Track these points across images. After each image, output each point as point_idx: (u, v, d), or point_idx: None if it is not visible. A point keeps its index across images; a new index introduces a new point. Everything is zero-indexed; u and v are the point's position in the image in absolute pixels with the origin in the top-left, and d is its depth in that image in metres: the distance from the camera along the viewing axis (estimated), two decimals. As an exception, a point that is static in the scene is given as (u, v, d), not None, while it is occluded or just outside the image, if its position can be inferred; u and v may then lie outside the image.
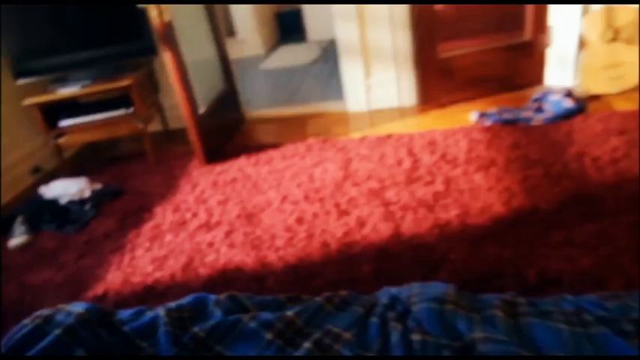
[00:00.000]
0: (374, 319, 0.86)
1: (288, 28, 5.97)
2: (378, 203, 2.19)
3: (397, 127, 2.94)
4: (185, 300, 1.00)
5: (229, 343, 0.84)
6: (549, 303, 0.92)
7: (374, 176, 2.42)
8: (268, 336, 0.82)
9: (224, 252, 2.05)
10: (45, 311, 0.97)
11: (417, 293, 0.91)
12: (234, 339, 0.84)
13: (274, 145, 2.98)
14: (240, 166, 2.80)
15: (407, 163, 2.47)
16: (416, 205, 2.12)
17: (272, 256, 1.97)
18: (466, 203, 2.08)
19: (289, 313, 0.93)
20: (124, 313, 0.95)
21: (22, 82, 2.99)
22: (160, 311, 0.93)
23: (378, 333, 0.83)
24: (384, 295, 0.92)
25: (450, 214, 2.03)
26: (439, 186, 2.23)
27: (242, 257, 1.99)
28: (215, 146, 2.98)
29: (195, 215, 2.38)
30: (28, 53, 2.94)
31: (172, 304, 0.97)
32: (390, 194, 2.25)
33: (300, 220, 2.18)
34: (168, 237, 2.24)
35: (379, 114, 3.21)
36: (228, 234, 2.17)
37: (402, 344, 0.77)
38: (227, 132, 3.26)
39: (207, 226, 2.27)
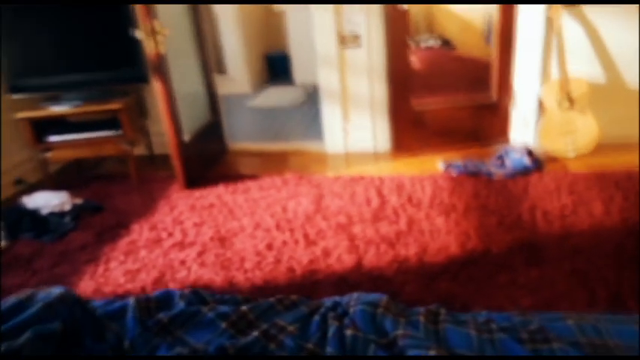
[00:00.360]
0: (316, 317, 1.00)
1: (277, 70, 6.24)
2: (344, 237, 2.34)
3: (370, 170, 3.13)
4: (154, 293, 1.12)
5: (189, 329, 0.95)
6: (467, 315, 1.07)
7: (343, 212, 2.58)
8: (223, 325, 0.94)
9: (195, 270, 2.16)
10: (27, 290, 1.09)
11: (355, 299, 1.05)
12: (193, 326, 0.95)
13: (253, 177, 3.13)
14: (218, 193, 2.94)
15: (375, 203, 2.64)
16: (379, 241, 2.28)
17: (240, 277, 2.09)
18: (425, 243, 2.24)
19: (244, 307, 1.06)
20: (97, 302, 1.06)
21: (16, 97, 3.12)
22: (130, 300, 1.05)
23: (317, 328, 0.97)
24: (328, 300, 1.06)
25: (409, 251, 2.18)
26: (402, 226, 2.40)
27: (211, 276, 2.10)
28: (196, 173, 3.12)
29: (170, 235, 2.50)
30: (25, 70, 3.09)
31: (142, 296, 1.09)
32: (357, 229, 2.40)
33: (269, 247, 2.31)
34: (143, 252, 2.35)
35: (354, 156, 3.41)
36: (200, 254, 2.29)
37: (336, 338, 0.91)
38: (209, 161, 3.41)
39: (181, 245, 2.38)
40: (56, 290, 1.04)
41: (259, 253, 2.27)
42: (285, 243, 2.34)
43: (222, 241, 2.41)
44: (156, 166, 3.52)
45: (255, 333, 0.95)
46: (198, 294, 1.09)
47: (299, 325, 0.98)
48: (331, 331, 0.96)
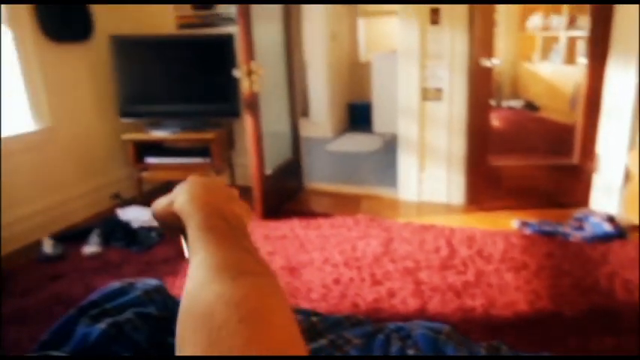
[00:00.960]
0: (380, 336, 1.06)
1: (357, 118, 6.46)
2: (410, 280, 2.37)
3: (441, 220, 3.15)
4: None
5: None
6: (529, 354, 1.08)
7: (411, 257, 2.61)
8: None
9: (264, 293, 2.27)
10: (128, 279, 1.24)
11: (418, 324, 1.10)
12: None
13: (325, 215, 3.25)
14: (292, 226, 3.08)
15: (444, 252, 2.66)
16: (445, 289, 2.29)
17: (305, 306, 2.17)
18: (493, 296, 2.22)
19: (314, 318, 1.14)
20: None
21: (124, 120, 3.49)
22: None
23: (381, 345, 1.02)
24: (392, 324, 1.12)
25: (475, 302, 2.17)
26: (470, 277, 2.39)
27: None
28: (273, 205, 3.29)
29: (244, 259, 2.64)
30: (134, 98, 3.46)
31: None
32: (423, 275, 2.42)
33: (336, 281, 2.39)
34: (218, 272, 2.50)
35: (427, 206, 3.45)
36: (270, 279, 2.40)
37: (398, 355, 0.96)
38: (285, 196, 3.58)
39: (253, 270, 2.51)
40: (153, 282, 1.18)
41: (326, 286, 2.35)
42: (351, 280, 2.40)
43: (292, 271, 2.51)
44: (236, 196, 3.73)
45: (323, 341, 1.03)
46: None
47: (364, 340, 1.05)
48: (394, 349, 1.02)
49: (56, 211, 3.14)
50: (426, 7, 3.12)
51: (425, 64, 3.23)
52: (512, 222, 3.02)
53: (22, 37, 2.89)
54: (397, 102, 3.43)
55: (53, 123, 3.10)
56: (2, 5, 2.78)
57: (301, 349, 0.37)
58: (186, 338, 0.38)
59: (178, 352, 0.38)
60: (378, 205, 3.52)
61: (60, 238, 2.93)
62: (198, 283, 0.43)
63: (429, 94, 3.27)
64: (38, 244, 2.82)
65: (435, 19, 3.10)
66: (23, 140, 2.92)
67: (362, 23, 6.70)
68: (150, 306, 1.11)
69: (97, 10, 3.33)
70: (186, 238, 0.57)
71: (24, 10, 2.88)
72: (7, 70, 2.87)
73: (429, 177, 3.47)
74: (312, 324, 1.10)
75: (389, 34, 6.51)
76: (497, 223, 3.06)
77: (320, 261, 2.61)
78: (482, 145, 3.26)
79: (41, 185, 3.05)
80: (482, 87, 3.14)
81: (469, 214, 3.28)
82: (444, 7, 3.08)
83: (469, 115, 3.23)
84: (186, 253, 0.58)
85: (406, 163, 3.50)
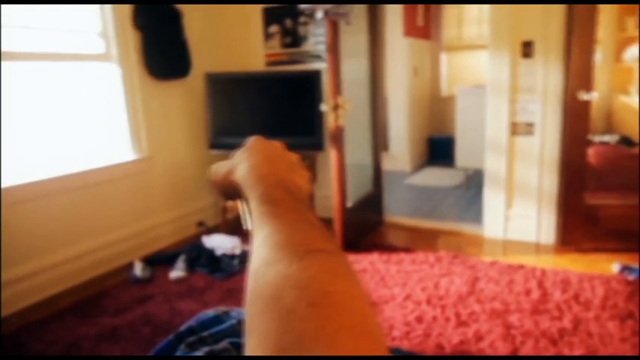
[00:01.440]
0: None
1: (438, 153, 6.35)
2: (499, 323, 2.24)
3: (530, 260, 2.97)
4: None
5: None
6: None
7: (499, 299, 2.47)
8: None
9: (345, 328, 2.23)
10: (223, 307, 1.26)
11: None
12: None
13: (406, 250, 3.18)
14: (371, 260, 3.03)
15: (535, 295, 2.49)
16: (539, 335, 2.13)
17: (388, 344, 2.10)
18: (594, 346, 2.03)
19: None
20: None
21: (213, 152, 3.65)
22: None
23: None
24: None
25: (574, 352, 2.00)
26: (567, 323, 2.21)
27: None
28: (353, 238, 3.27)
29: (324, 291, 2.62)
30: (223, 131, 3.62)
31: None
32: (513, 319, 2.28)
33: (419, 319, 2.30)
34: (298, 303, 2.49)
35: (514, 244, 3.27)
36: (351, 314, 2.36)
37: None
38: (366, 229, 3.55)
39: (334, 303, 2.48)
40: (246, 311, 1.20)
41: (408, 323, 2.27)
42: (435, 319, 2.30)
43: (372, 306, 2.45)
44: (315, 228, 3.76)
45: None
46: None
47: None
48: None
49: (147, 235, 3.32)
50: (517, 40, 3.04)
51: (515, 98, 3.12)
52: (611, 266, 2.78)
53: (129, 75, 3.14)
54: (482, 136, 3.33)
55: (150, 153, 3.31)
56: (113, 45, 3.05)
57: (378, 336, 0.34)
58: (255, 322, 0.36)
59: (247, 335, 0.36)
60: (461, 241, 3.38)
61: (149, 261, 3.08)
62: (264, 263, 0.40)
63: (519, 128, 3.15)
64: (130, 266, 2.98)
65: (527, 51, 3.01)
66: (123, 168, 3.13)
67: (444, 57, 6.66)
68: (244, 336, 1.12)
69: (195, 50, 3.56)
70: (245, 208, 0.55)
71: (132, 49, 3.14)
72: (113, 104, 3.12)
73: (517, 214, 3.30)
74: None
75: (473, 67, 6.41)
76: (595, 267, 2.83)
77: (402, 297, 2.53)
78: (577, 182, 3.06)
79: (136, 210, 3.25)
80: (578, 121, 2.97)
81: (562, 255, 3.06)
82: (537, 40, 2.98)
83: (563, 150, 3.06)
84: (245, 224, 0.56)
85: (492, 199, 3.36)
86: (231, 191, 0.60)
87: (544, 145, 3.11)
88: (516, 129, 3.16)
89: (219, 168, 0.63)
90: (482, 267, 2.86)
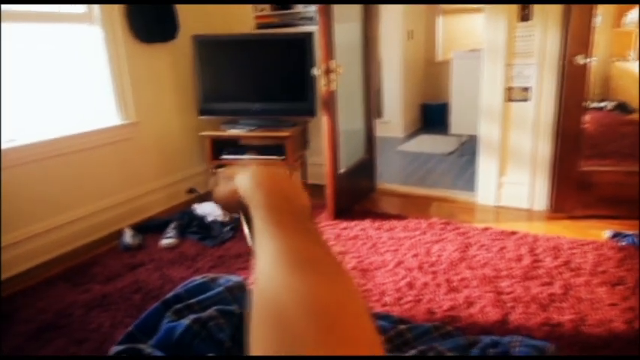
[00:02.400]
0: (475, 350, 0.98)
1: (432, 119, 6.29)
2: (489, 289, 2.24)
3: (522, 227, 2.96)
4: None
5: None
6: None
7: (490, 265, 2.47)
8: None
9: (336, 294, 2.22)
10: (211, 274, 1.23)
11: (518, 340, 1.01)
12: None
13: (398, 217, 3.16)
14: (363, 227, 3.02)
15: (526, 261, 2.49)
16: (529, 300, 2.14)
17: (378, 310, 2.10)
18: (584, 311, 2.04)
19: (402, 326, 1.08)
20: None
21: (202, 118, 3.58)
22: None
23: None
24: (486, 337, 1.03)
25: (563, 317, 2.01)
26: (557, 289, 2.22)
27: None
28: (345, 205, 3.24)
29: (315, 258, 2.61)
30: (213, 96, 3.54)
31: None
32: (504, 284, 2.28)
33: (410, 285, 2.30)
34: (290, 270, 2.49)
35: (506, 211, 3.26)
36: (342, 280, 2.36)
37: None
38: (358, 195, 3.53)
39: (325, 269, 2.48)
40: (234, 278, 1.17)
41: (399, 290, 2.27)
42: (426, 284, 2.31)
43: (364, 272, 2.45)
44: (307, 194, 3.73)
45: (413, 351, 0.96)
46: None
47: (457, 353, 0.97)
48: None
49: (137, 202, 3.28)
50: (514, 3, 2.95)
51: (511, 62, 3.05)
52: (603, 233, 2.78)
53: (112, 38, 3.03)
54: (477, 102, 3.27)
55: (137, 118, 3.23)
56: (95, 6, 2.93)
57: (379, 351, 0.34)
58: (258, 335, 0.36)
59: (251, 349, 0.36)
60: (454, 208, 3.37)
61: (139, 228, 3.05)
62: (268, 277, 0.41)
63: (515, 94, 3.09)
64: (119, 233, 2.96)
65: (524, 15, 2.92)
66: (109, 134, 3.06)
67: (440, 21, 6.51)
68: (232, 303, 1.10)
69: (182, 12, 3.44)
70: (248, 223, 0.56)
71: (116, 11, 3.02)
72: (96, 67, 3.02)
73: (510, 181, 3.28)
74: (400, 332, 1.04)
75: (469, 32, 6.29)
76: (587, 233, 2.83)
77: (393, 264, 2.53)
78: (572, 148, 3.03)
79: (124, 177, 3.19)
80: (575, 86, 2.92)
81: (554, 222, 3.06)
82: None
83: (559, 116, 3.02)
84: (249, 240, 0.56)
85: (486, 166, 3.33)
86: (234, 205, 0.63)
87: (539, 110, 3.07)
88: (511, 94, 3.11)
89: (223, 188, 0.66)
90: (475, 233, 2.86)
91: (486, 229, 2.92)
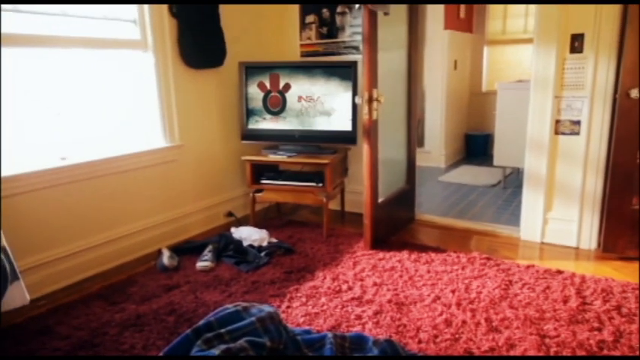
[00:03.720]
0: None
1: (475, 150, 6.17)
2: (532, 331, 2.12)
3: (568, 267, 2.82)
4: (349, 334, 1.15)
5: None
6: None
7: (534, 305, 2.35)
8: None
9: (369, 327, 2.16)
10: (243, 303, 1.21)
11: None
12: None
13: (437, 250, 3.07)
14: (400, 258, 2.95)
15: (573, 303, 2.35)
16: (575, 346, 2.01)
17: (413, 346, 2.02)
18: (635, 362, 1.90)
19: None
20: (295, 329, 1.13)
21: (245, 143, 3.63)
22: (328, 334, 1.09)
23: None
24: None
25: (613, 367, 1.87)
26: (607, 335, 2.08)
27: (385, 337, 2.07)
28: (382, 235, 3.19)
29: (350, 288, 2.56)
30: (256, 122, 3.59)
31: (338, 333, 1.13)
32: (549, 327, 2.16)
33: (447, 322, 2.21)
34: (323, 299, 2.44)
35: (551, 249, 3.12)
36: (376, 313, 2.29)
37: None
38: (396, 226, 3.46)
39: (360, 301, 2.42)
40: (267, 308, 1.15)
41: (436, 327, 2.18)
42: (464, 322, 2.21)
43: (400, 305, 2.38)
44: (344, 222, 3.70)
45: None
46: (393, 345, 1.09)
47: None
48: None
49: (176, 223, 3.33)
50: (566, 33, 2.87)
51: (560, 94, 2.96)
52: (659, 277, 2.61)
53: (163, 63, 3.14)
54: (522, 134, 3.19)
55: (182, 141, 3.31)
56: (149, 33, 3.04)
57: None
58: None
59: None
60: (495, 243, 3.25)
61: (177, 250, 3.08)
62: None
63: (563, 127, 2.99)
64: (157, 253, 3.00)
65: (576, 46, 2.84)
66: (154, 156, 3.14)
67: (486, 51, 6.44)
68: (263, 335, 1.07)
69: (230, 40, 3.53)
70: None
71: (168, 38, 3.12)
72: (146, 91, 3.12)
73: (557, 217, 3.14)
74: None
75: (516, 62, 6.19)
76: (640, 277, 2.66)
77: (430, 299, 2.44)
78: (625, 185, 2.88)
79: (165, 199, 3.25)
80: (629, 121, 2.78)
81: (603, 263, 2.90)
82: (587, 33, 2.81)
83: (611, 151, 2.88)
84: None
85: (531, 200, 3.21)
86: None
87: (590, 145, 2.95)
88: (560, 127, 3.00)
89: None
90: (517, 271, 2.74)
91: (530, 266, 2.80)
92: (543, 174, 3.12)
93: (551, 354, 1.96)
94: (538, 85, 3.03)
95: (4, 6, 2.37)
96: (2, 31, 2.36)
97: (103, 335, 2.16)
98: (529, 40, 5.93)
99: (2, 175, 2.38)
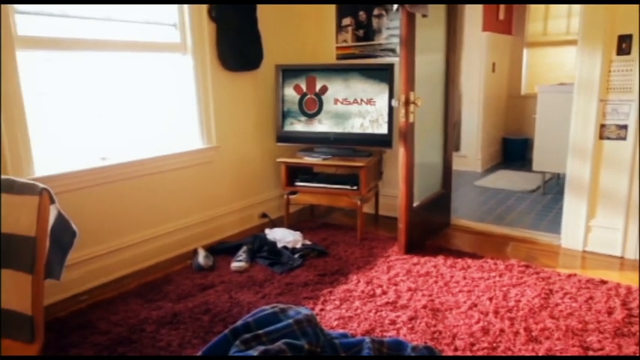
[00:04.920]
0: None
1: (513, 154, 6.04)
2: (574, 343, 2.05)
3: (613, 277, 2.71)
4: (387, 339, 1.14)
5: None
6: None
7: (576, 316, 2.27)
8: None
9: (404, 333, 2.13)
10: (281, 304, 1.21)
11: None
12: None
13: (473, 256, 3.01)
14: (436, 263, 2.90)
15: (619, 315, 2.26)
16: (620, 360, 1.93)
17: (449, 354, 1.98)
18: (686, 379, 1.81)
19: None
20: (332, 332, 1.13)
21: (280, 145, 3.65)
22: (366, 339, 1.09)
23: None
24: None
25: (662, 383, 1.79)
26: (654, 350, 1.99)
27: (419, 344, 2.04)
28: (417, 240, 3.14)
29: (384, 293, 2.54)
30: (290, 125, 3.61)
31: (376, 338, 1.12)
32: (592, 339, 2.08)
33: (485, 330, 2.16)
34: (357, 303, 2.43)
35: (594, 258, 3.01)
36: (411, 319, 2.26)
37: None
38: (431, 230, 3.41)
39: (394, 306, 2.39)
40: (304, 311, 1.14)
41: (473, 334, 2.13)
42: (502, 331, 2.15)
43: (435, 312, 2.34)
44: (378, 226, 3.67)
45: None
46: (433, 352, 1.07)
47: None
48: None
49: (211, 224, 3.37)
50: (612, 35, 2.78)
51: (605, 98, 2.86)
52: None
53: (201, 66, 3.19)
54: (563, 138, 3.09)
55: (218, 143, 3.35)
56: (189, 36, 3.10)
57: None
58: None
59: None
60: (534, 250, 3.16)
61: (212, 250, 3.12)
62: None
63: (609, 131, 2.88)
64: (193, 253, 3.04)
65: (623, 47, 2.74)
66: (191, 157, 3.19)
67: (526, 54, 6.29)
68: (300, 337, 1.07)
69: (266, 42, 3.56)
70: None
71: (207, 41, 3.18)
72: (185, 93, 3.18)
73: (600, 224, 3.03)
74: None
75: (557, 65, 6.03)
76: (690, 289, 2.54)
77: (467, 305, 2.39)
78: (673, 193, 2.76)
79: (201, 199, 3.30)
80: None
81: (650, 274, 2.78)
82: (636, 34, 2.70)
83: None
84: None
85: (573, 207, 3.11)
86: None
87: (637, 150, 2.83)
88: (605, 132, 2.90)
89: None
90: (558, 280, 2.65)
91: (572, 275, 2.70)
92: (586, 180, 3.02)
93: (595, 367, 1.89)
94: (582, 88, 2.93)
95: (52, 11, 2.46)
96: (51, 36, 2.45)
97: (141, 332, 2.20)
98: (571, 42, 5.76)
99: (46, 174, 2.45)
